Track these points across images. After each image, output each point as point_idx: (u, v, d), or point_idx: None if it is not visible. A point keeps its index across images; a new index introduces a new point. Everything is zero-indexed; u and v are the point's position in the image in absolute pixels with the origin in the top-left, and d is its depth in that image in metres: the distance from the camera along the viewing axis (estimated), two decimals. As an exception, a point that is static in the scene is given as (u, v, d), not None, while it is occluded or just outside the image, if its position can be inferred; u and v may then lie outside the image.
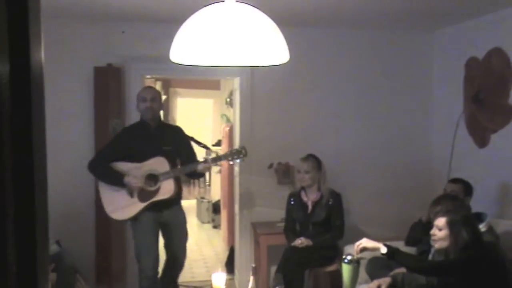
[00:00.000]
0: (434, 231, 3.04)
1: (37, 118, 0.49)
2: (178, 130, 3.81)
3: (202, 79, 6.99)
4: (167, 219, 3.67)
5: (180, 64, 2.25)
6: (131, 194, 3.54)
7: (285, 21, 2.93)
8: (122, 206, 3.53)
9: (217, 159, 3.61)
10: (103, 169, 3.55)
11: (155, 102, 3.60)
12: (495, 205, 3.84)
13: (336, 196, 3.94)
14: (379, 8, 3.80)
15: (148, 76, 5.27)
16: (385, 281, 3.19)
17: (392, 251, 2.95)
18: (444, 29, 4.55)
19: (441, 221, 2.99)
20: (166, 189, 3.52)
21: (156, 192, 3.52)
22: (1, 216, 0.52)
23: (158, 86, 8.09)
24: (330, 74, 4.62)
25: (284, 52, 2.15)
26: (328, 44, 4.60)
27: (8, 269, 0.57)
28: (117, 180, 3.50)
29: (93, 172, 3.62)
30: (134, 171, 3.51)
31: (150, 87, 3.88)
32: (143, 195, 3.53)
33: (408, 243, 3.73)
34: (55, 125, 4.04)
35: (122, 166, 3.54)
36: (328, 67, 4.61)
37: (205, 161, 3.55)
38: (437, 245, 3.05)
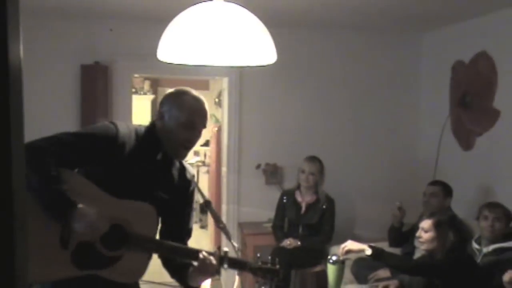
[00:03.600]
0: (419, 233, 3.07)
1: (15, 116, 0.49)
2: (190, 179, 2.05)
3: (191, 78, 6.98)
4: None
5: (168, 63, 2.25)
6: (65, 241, 1.74)
7: (274, 22, 2.94)
8: (38, 256, 1.71)
9: (240, 264, 2.06)
10: (50, 171, 1.70)
11: (200, 134, 1.96)
12: (477, 207, 3.88)
13: (330, 201, 3.96)
14: (368, 11, 3.83)
15: (137, 75, 5.26)
16: (394, 283, 3.23)
17: (377, 252, 2.98)
18: (431, 32, 4.59)
19: (427, 223, 3.02)
20: (130, 267, 1.84)
21: (110, 262, 1.81)
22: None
23: (146, 85, 8.06)
24: (319, 75, 4.63)
25: (271, 53, 2.15)
26: (317, 45, 4.61)
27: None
28: (60, 204, 1.69)
29: (31, 165, 1.67)
30: (99, 205, 1.75)
31: (203, 104, 1.94)
32: (84, 255, 1.78)
33: (391, 245, 3.78)
34: (40, 125, 4.00)
35: (83, 185, 1.79)
36: (317, 69, 4.62)
37: (221, 259, 1.96)
38: (423, 247, 3.08)
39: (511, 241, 3.05)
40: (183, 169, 2.02)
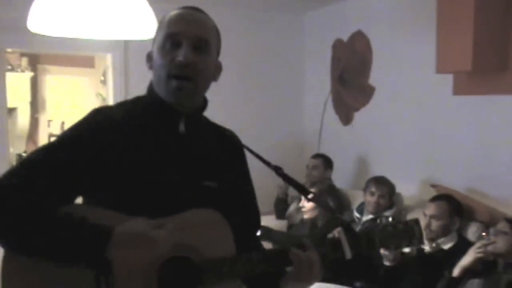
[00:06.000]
0: (303, 202, 3.24)
1: None
2: (235, 140, 1.48)
3: (72, 54, 6.65)
4: None
5: (41, 35, 2.12)
6: None
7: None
8: None
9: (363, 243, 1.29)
10: (45, 219, 1.08)
11: (205, 56, 1.25)
12: (356, 178, 4.17)
13: None
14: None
15: (10, 50, 4.89)
16: None
17: (265, 231, 3.15)
18: (312, 11, 4.77)
19: (308, 193, 3.19)
20: None
21: None
22: None
23: (24, 62, 7.53)
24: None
25: (153, 27, 2.11)
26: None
27: None
28: (85, 243, 1.06)
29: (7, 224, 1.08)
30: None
31: (192, 10, 1.31)
32: None
33: (278, 217, 3.94)
34: None
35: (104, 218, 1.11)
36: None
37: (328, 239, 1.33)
38: (306, 216, 3.26)
39: (390, 210, 3.30)
40: (216, 128, 1.41)
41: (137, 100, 1.32)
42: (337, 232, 1.29)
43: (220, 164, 1.30)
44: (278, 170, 1.47)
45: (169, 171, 1.20)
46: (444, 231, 2.66)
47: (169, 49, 1.21)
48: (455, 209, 2.70)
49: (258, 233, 3.21)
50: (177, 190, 1.20)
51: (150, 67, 1.28)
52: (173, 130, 1.24)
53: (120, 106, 1.32)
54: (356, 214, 3.39)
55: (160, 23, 1.26)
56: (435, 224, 2.65)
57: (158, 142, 1.22)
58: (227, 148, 1.36)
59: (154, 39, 1.27)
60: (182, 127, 1.24)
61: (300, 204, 3.24)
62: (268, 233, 3.20)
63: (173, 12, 1.26)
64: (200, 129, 1.30)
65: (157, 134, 1.22)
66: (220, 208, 1.21)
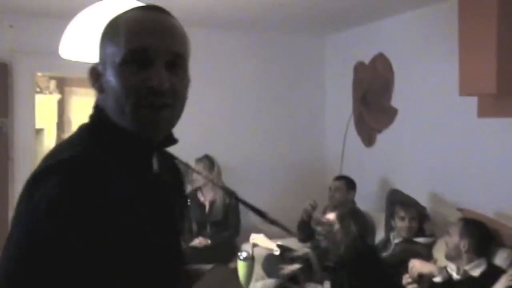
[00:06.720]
0: (324, 226, 3.23)
1: None
2: (180, 170, 1.16)
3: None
4: None
5: (72, 61, 2.19)
6: None
7: (182, 21, 2.94)
8: None
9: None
10: None
11: (180, 75, 0.99)
12: (380, 200, 4.13)
13: (231, 194, 4.03)
14: (272, 13, 3.94)
15: (40, 74, 5.04)
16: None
17: (284, 251, 3.15)
18: (334, 34, 4.80)
19: (331, 216, 3.18)
20: None
21: None
22: None
23: (52, 84, 7.71)
24: (226, 75, 4.67)
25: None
26: (224, 46, 4.65)
27: None
28: None
29: None
30: None
31: (157, 15, 0.96)
32: None
33: (301, 240, 3.91)
34: None
35: None
36: (224, 68, 4.66)
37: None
38: (328, 239, 3.23)
39: (424, 238, 3.22)
40: (169, 157, 1.11)
41: (97, 141, 0.94)
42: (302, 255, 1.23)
43: (177, 201, 1.07)
44: (233, 194, 1.31)
45: (164, 227, 0.96)
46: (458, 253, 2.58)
47: (134, 70, 0.89)
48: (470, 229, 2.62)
49: (277, 252, 3.23)
50: (173, 245, 0.98)
51: (100, 89, 0.95)
52: (149, 170, 0.97)
53: (90, 154, 0.89)
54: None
55: (112, 29, 0.93)
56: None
57: (147, 192, 0.93)
58: (179, 179, 1.13)
59: (103, 51, 0.93)
60: (155, 164, 0.97)
61: (321, 228, 3.23)
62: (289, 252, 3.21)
63: (132, 16, 0.93)
64: (162, 163, 1.02)
65: (143, 180, 0.93)
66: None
